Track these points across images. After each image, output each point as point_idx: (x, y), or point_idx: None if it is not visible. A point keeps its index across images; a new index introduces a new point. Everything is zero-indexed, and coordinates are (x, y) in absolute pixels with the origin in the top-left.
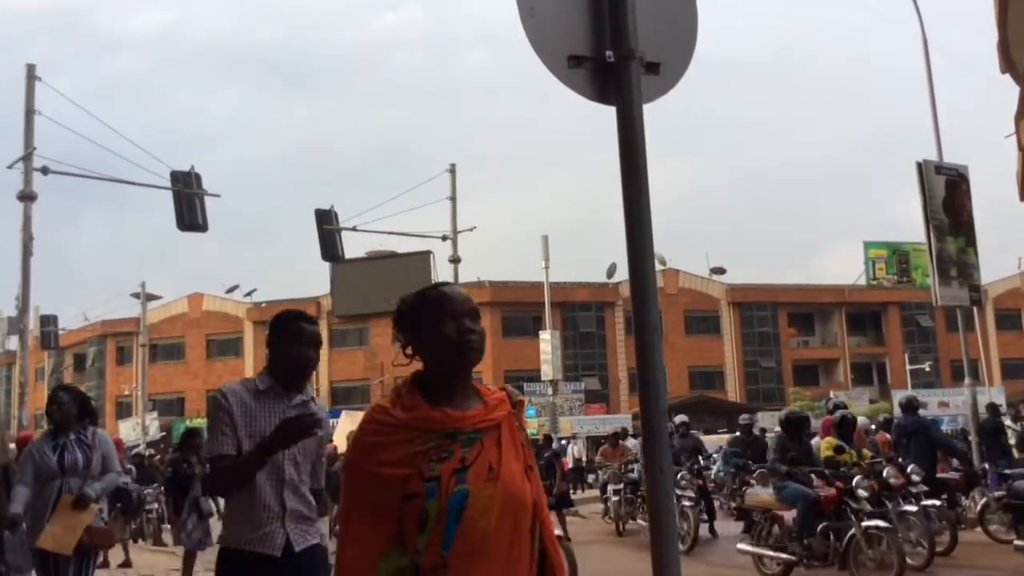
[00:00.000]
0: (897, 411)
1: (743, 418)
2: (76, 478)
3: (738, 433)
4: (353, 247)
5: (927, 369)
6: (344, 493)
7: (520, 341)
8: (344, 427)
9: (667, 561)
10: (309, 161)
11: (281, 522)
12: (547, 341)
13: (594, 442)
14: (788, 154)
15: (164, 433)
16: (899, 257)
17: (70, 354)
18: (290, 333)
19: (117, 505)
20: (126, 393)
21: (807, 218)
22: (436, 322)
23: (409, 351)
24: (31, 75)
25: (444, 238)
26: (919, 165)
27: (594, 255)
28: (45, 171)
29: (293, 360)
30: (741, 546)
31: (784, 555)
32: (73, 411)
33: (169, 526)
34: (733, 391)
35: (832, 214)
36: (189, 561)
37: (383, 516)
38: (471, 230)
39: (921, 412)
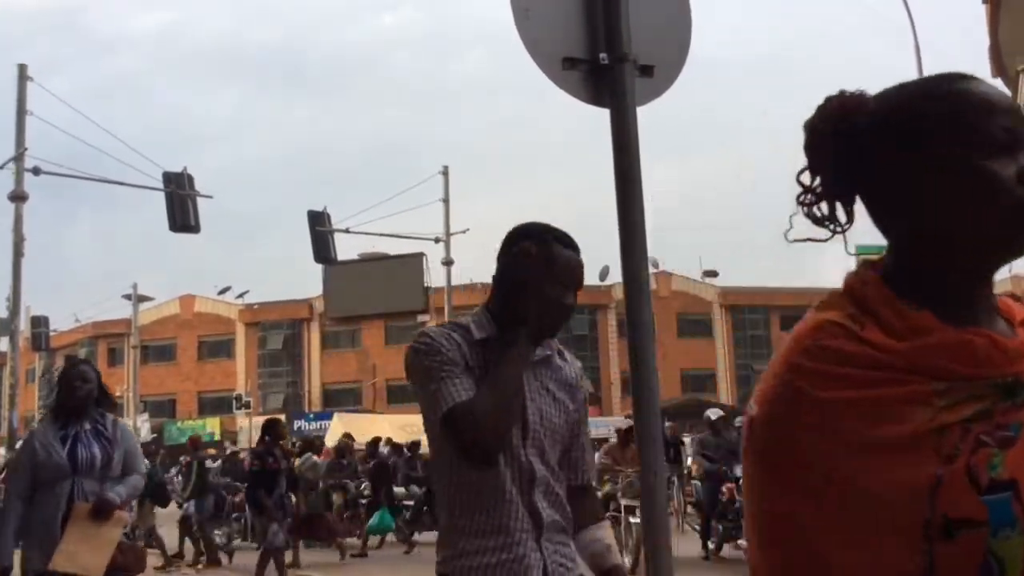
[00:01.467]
0: None
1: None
2: (91, 480)
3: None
4: (346, 249)
5: None
6: (754, 507)
7: None
8: (336, 430)
9: (662, 571)
10: (303, 162)
11: (535, 540)
12: None
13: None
14: (782, 156)
15: (155, 435)
16: None
17: (61, 355)
18: (549, 263)
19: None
20: (117, 395)
21: (801, 221)
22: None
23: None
24: (23, 75)
25: (437, 240)
26: None
27: (587, 257)
28: (37, 172)
29: (544, 306)
30: None
31: None
32: (95, 394)
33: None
34: (725, 394)
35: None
36: (270, 561)
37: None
38: (464, 232)
39: None
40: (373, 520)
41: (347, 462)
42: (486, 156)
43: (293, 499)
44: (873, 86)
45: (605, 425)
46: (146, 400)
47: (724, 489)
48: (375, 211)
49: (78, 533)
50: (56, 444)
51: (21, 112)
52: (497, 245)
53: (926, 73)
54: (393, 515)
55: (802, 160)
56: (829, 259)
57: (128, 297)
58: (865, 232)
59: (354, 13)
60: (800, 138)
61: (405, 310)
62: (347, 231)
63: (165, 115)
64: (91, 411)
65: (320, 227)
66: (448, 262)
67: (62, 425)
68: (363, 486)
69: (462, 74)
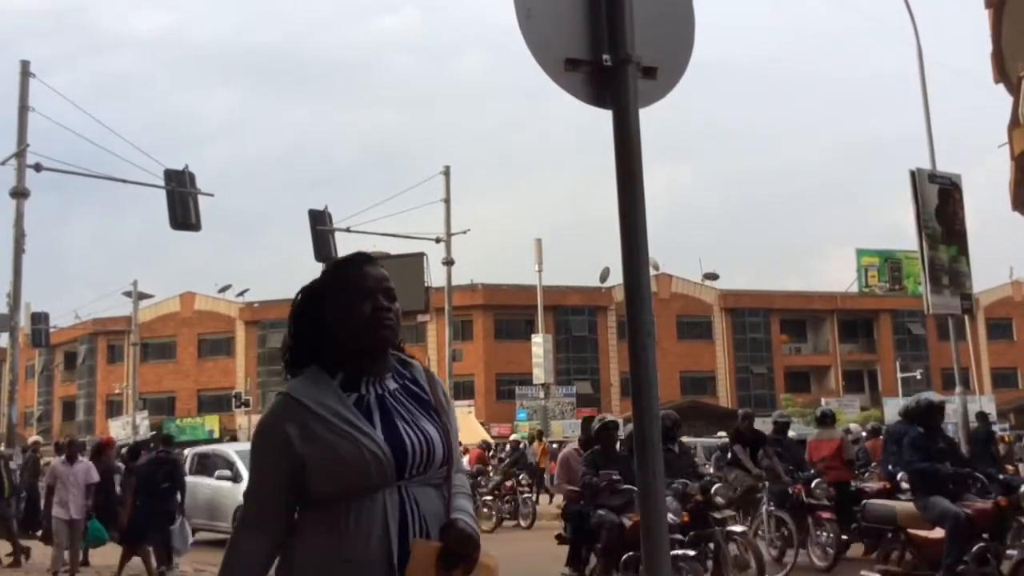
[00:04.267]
0: (889, 418)
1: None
2: (424, 486)
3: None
4: (347, 248)
5: (918, 377)
6: None
7: (512, 344)
8: None
9: (657, 558)
10: (304, 162)
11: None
12: (539, 345)
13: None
14: (782, 160)
15: (154, 432)
16: (891, 265)
17: (61, 352)
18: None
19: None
20: (117, 392)
21: (801, 224)
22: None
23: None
24: (25, 71)
25: (438, 240)
26: (912, 173)
27: (588, 259)
28: (38, 168)
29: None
30: (867, 573)
31: None
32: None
33: None
34: (725, 397)
35: (826, 221)
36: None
37: None
38: (464, 232)
39: None
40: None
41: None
42: (487, 157)
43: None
44: (875, 90)
45: None
46: (145, 398)
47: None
48: (376, 211)
49: None
50: (354, 416)
51: (23, 108)
52: (495, 246)
53: (927, 78)
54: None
55: (797, 165)
56: (830, 263)
57: (128, 294)
58: (862, 239)
59: (355, 14)
60: (796, 143)
61: (405, 310)
62: (348, 230)
63: (166, 114)
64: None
65: (321, 226)
66: (449, 262)
67: (347, 382)
68: None
69: (463, 75)
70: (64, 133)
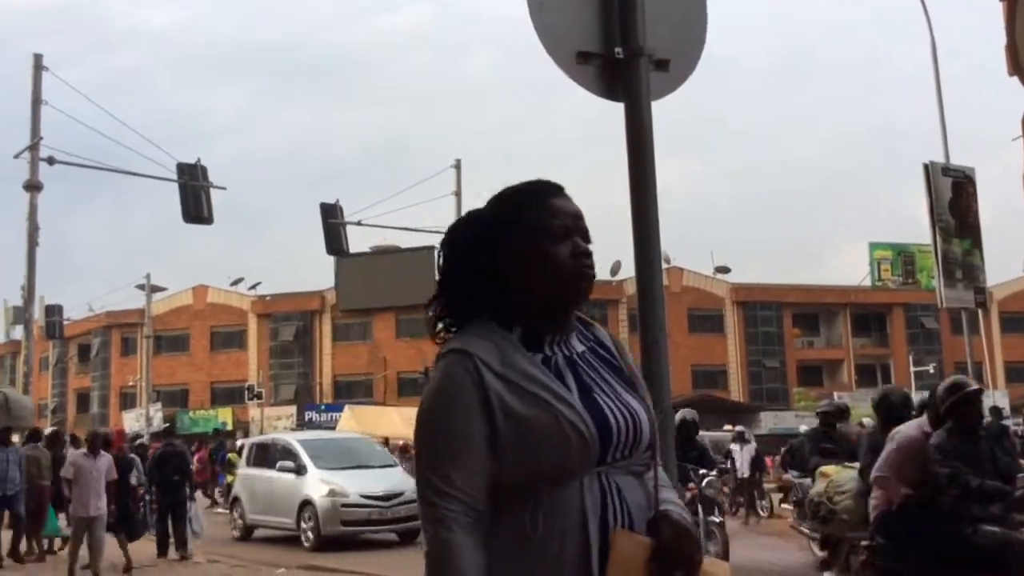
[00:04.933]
0: None
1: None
2: (625, 474)
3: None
4: (358, 241)
5: (931, 371)
6: None
7: None
8: (347, 422)
9: None
10: (315, 156)
11: None
12: None
13: None
14: (794, 153)
15: (167, 424)
16: (904, 258)
17: (74, 344)
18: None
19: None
20: (130, 384)
21: (813, 218)
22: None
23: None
24: (38, 65)
25: None
26: (926, 167)
27: (598, 252)
28: (51, 161)
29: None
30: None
31: None
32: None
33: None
34: (736, 391)
35: (839, 214)
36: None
37: None
38: None
39: None
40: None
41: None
42: (498, 151)
43: None
44: (888, 83)
45: None
46: (159, 390)
47: None
48: (386, 204)
49: None
50: (549, 380)
51: (36, 102)
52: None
53: (941, 71)
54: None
55: (810, 157)
56: (843, 257)
57: (141, 287)
58: (876, 232)
59: (363, 11)
60: (809, 135)
61: (416, 303)
62: (359, 223)
63: (177, 108)
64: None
65: (332, 219)
66: None
67: (526, 341)
68: None
69: (473, 70)
70: (76, 127)
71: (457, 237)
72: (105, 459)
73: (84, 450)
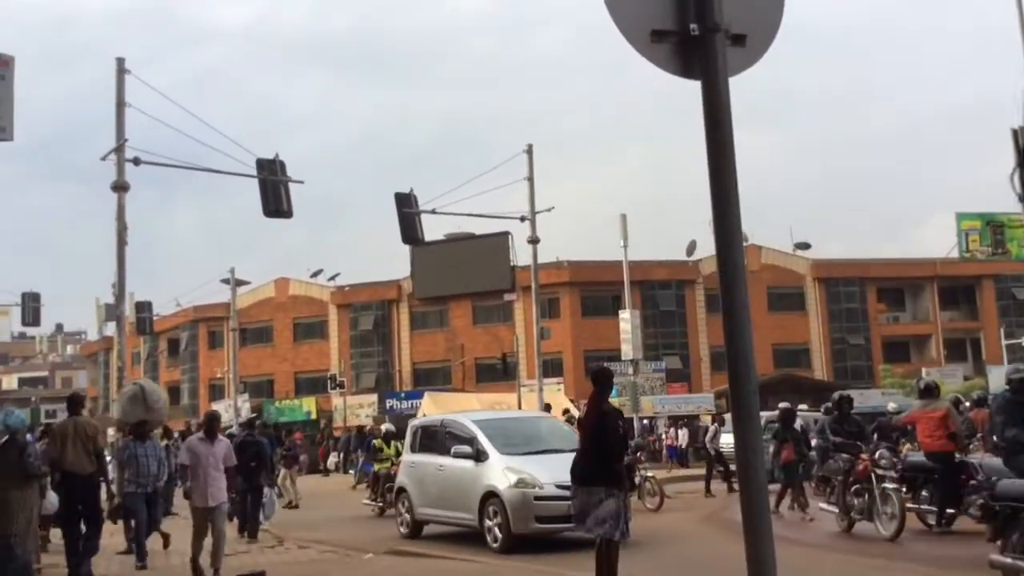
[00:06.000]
0: (994, 387)
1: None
2: None
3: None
4: (432, 229)
5: None
6: None
7: (600, 321)
8: (428, 408)
9: (762, 554)
10: (387, 145)
11: None
12: (627, 320)
13: (675, 422)
14: (877, 124)
15: (255, 414)
16: (993, 228)
17: (164, 339)
18: None
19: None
20: (218, 376)
21: (898, 190)
22: None
23: None
24: (121, 68)
25: (523, 219)
26: (1014, 132)
27: (673, 232)
28: (137, 162)
29: None
30: (997, 558)
31: None
32: None
33: None
34: (820, 369)
35: (924, 185)
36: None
37: None
38: (549, 211)
39: None
40: None
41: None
42: (570, 134)
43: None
44: (969, 49)
45: (696, 401)
46: (245, 381)
47: None
48: (460, 191)
49: None
50: None
51: (120, 104)
52: (580, 223)
53: None
54: None
55: (893, 129)
56: (927, 229)
57: (226, 281)
58: (963, 203)
59: None
60: (891, 106)
61: (492, 289)
62: (434, 212)
63: (253, 103)
64: None
65: (407, 208)
66: (534, 240)
67: None
68: None
69: (540, 53)
70: (161, 128)
71: None
72: (223, 444)
73: (200, 434)
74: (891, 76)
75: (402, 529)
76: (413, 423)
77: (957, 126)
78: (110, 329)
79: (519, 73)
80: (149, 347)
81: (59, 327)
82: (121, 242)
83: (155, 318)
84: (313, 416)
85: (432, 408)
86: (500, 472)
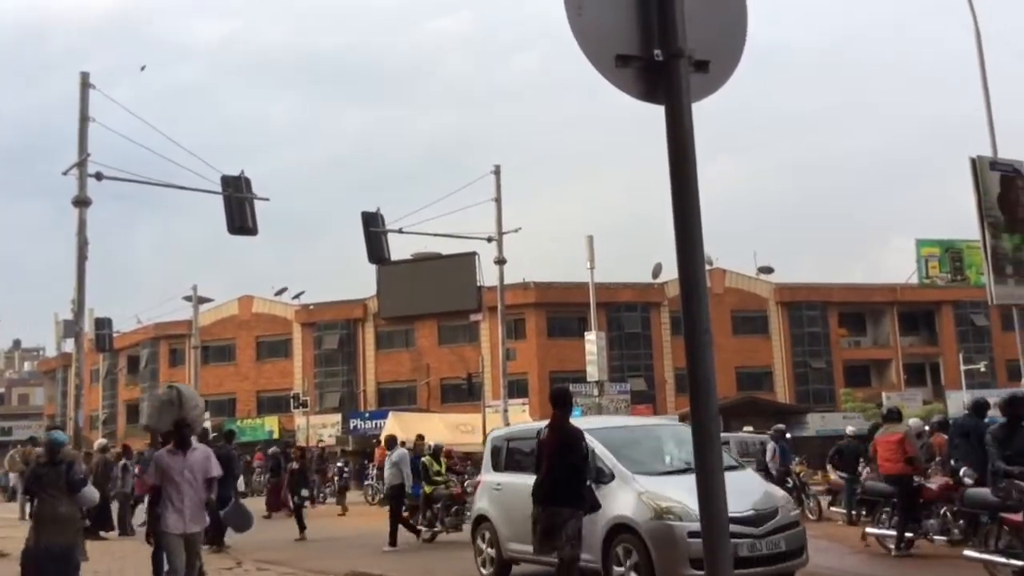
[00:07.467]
0: (952, 412)
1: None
2: None
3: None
4: (399, 249)
5: (982, 369)
6: None
7: (565, 342)
8: (391, 427)
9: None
10: (357, 165)
11: None
12: (592, 342)
13: None
14: (837, 150)
15: (215, 434)
16: (952, 255)
17: (124, 356)
18: None
19: None
20: None
21: (858, 215)
22: None
23: None
24: (85, 83)
25: (489, 239)
26: (973, 161)
27: (639, 255)
28: (99, 177)
29: None
30: (969, 553)
31: (1018, 562)
32: None
33: None
34: (782, 392)
35: (884, 211)
36: None
37: None
38: (516, 231)
39: None
40: None
41: None
42: (539, 157)
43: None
44: (928, 76)
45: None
46: (207, 399)
47: None
48: (429, 211)
49: None
50: None
51: (83, 119)
52: (547, 245)
53: (986, 61)
54: None
55: (853, 154)
56: (889, 253)
57: (188, 298)
58: (922, 229)
59: (406, 19)
60: (852, 132)
61: (458, 309)
62: (400, 231)
63: (222, 121)
64: None
65: (374, 228)
66: (500, 261)
67: None
68: None
69: (516, 75)
70: (124, 143)
71: None
72: (199, 453)
73: (169, 445)
74: (855, 100)
75: (483, 571)
76: (496, 434)
77: (912, 151)
78: (69, 345)
79: (492, 95)
80: (109, 364)
81: (16, 343)
82: (81, 257)
83: (115, 335)
84: (275, 435)
85: (396, 429)
86: (634, 498)
